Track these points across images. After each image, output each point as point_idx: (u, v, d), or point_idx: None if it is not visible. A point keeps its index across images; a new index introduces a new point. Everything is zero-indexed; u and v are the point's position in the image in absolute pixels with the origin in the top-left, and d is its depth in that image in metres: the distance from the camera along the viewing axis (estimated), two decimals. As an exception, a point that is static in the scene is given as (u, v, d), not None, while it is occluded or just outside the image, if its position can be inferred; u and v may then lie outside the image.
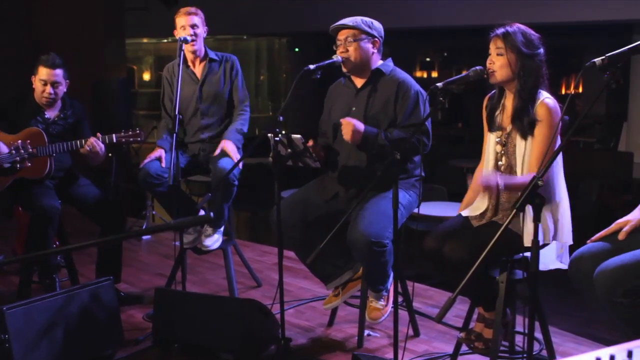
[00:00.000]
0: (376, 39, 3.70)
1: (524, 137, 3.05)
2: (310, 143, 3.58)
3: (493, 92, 3.26)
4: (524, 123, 3.03)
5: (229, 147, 4.23)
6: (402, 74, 3.74)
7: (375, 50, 3.71)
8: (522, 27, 3.09)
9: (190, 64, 4.46)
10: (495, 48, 3.09)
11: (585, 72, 2.35)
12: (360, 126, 3.54)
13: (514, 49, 3.03)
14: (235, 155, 4.20)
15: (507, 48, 3.04)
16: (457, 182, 3.69)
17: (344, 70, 3.71)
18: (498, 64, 3.07)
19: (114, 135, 4.14)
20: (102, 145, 4.12)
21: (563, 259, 3.10)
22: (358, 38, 3.64)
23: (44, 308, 3.30)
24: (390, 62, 3.79)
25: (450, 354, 3.50)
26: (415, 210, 3.73)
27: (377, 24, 3.74)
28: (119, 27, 8.58)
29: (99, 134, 4.13)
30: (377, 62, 3.74)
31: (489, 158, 3.23)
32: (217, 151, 4.23)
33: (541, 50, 3.07)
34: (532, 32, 3.10)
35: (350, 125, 3.51)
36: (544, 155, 2.93)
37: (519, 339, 3.42)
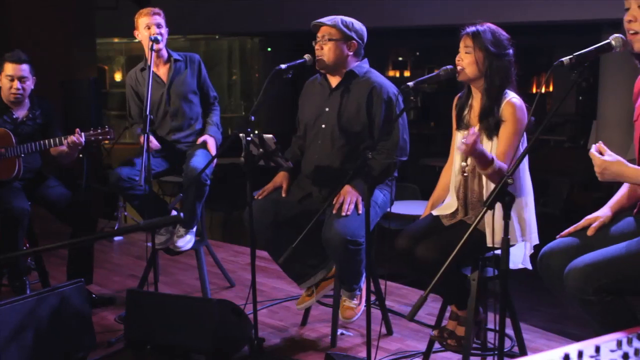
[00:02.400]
0: (353, 41, 3.67)
1: (490, 137, 3.07)
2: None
3: (462, 91, 3.28)
4: (490, 123, 3.06)
5: (210, 142, 4.25)
6: (377, 77, 3.71)
7: (351, 52, 3.68)
8: (493, 27, 3.12)
9: (154, 66, 4.37)
10: (464, 46, 3.11)
11: (554, 71, 2.37)
12: (353, 196, 3.55)
13: (482, 48, 3.06)
14: (214, 152, 4.20)
15: (475, 47, 3.07)
16: (429, 181, 3.70)
17: (318, 68, 3.70)
18: (466, 61, 3.10)
19: (83, 134, 4.09)
20: (83, 140, 4.06)
21: (528, 259, 3.13)
22: (334, 38, 3.63)
23: (14, 311, 3.25)
24: (365, 64, 3.76)
25: (423, 351, 3.51)
26: (388, 209, 3.75)
27: (358, 25, 3.70)
28: (88, 26, 8.51)
29: (77, 130, 4.07)
30: (353, 63, 3.71)
31: (456, 157, 3.25)
32: (199, 141, 4.29)
33: (510, 51, 3.10)
34: (503, 32, 3.12)
35: (347, 194, 3.53)
36: (507, 153, 2.97)
37: (491, 336, 3.44)
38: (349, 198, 3.52)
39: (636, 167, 2.39)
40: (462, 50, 3.12)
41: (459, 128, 3.26)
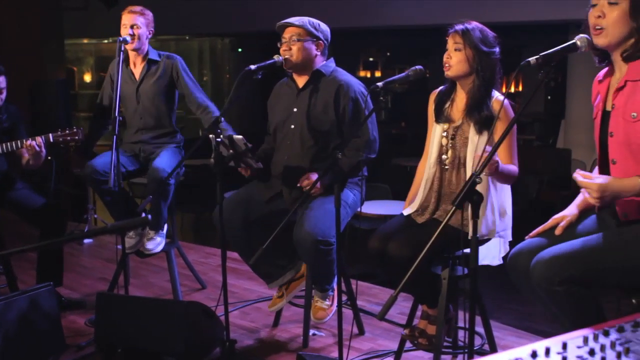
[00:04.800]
0: (320, 41, 3.70)
1: (479, 131, 3.10)
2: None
3: (442, 87, 3.31)
4: (481, 115, 3.09)
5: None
6: (344, 75, 3.74)
7: (319, 53, 3.71)
8: (480, 25, 3.18)
9: (131, 63, 4.41)
10: (453, 43, 3.15)
11: (521, 71, 2.40)
12: (314, 177, 3.56)
13: (472, 45, 3.10)
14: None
15: (465, 44, 3.11)
16: (400, 181, 3.72)
17: (285, 68, 3.71)
18: (455, 59, 3.13)
19: (50, 135, 4.04)
20: (43, 147, 4.00)
21: (502, 255, 3.18)
22: (302, 38, 3.64)
23: (-19, 316, 3.22)
24: (331, 63, 3.79)
25: (394, 351, 3.53)
26: (359, 209, 3.76)
27: (324, 26, 3.74)
28: (57, 27, 8.40)
29: (37, 138, 4.02)
30: (320, 63, 3.74)
31: (432, 150, 3.27)
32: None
33: (497, 49, 3.15)
34: (489, 30, 3.18)
35: (307, 184, 3.53)
36: (512, 148, 3.06)
37: (462, 334, 3.47)
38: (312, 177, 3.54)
39: (629, 178, 2.35)
40: (451, 47, 3.15)
41: (438, 120, 3.28)
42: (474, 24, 3.16)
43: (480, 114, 3.10)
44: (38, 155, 4.01)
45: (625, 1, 2.36)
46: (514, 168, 3.04)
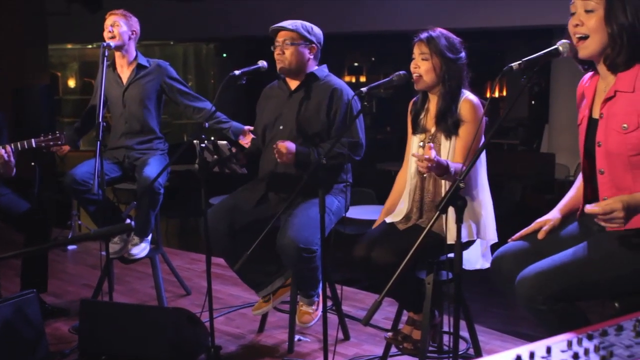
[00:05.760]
0: (314, 45, 3.71)
1: (449, 136, 3.12)
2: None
3: (417, 96, 3.31)
4: (449, 123, 3.11)
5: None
6: (337, 81, 3.76)
7: (312, 56, 3.72)
8: (445, 31, 3.17)
9: (118, 67, 4.40)
10: (419, 53, 3.14)
11: (504, 76, 2.41)
12: (292, 146, 3.53)
13: (439, 54, 3.10)
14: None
15: (431, 52, 3.11)
16: (385, 186, 3.72)
17: (278, 72, 3.71)
18: (423, 68, 3.13)
19: (33, 140, 4.01)
20: (12, 157, 3.93)
21: (487, 257, 3.19)
22: (296, 42, 3.65)
23: (-37, 323, 3.19)
24: (325, 68, 3.81)
25: (380, 356, 3.53)
26: (344, 215, 3.76)
27: (317, 29, 3.75)
28: (40, 32, 8.36)
29: (7, 147, 3.96)
30: (313, 67, 3.75)
31: (411, 161, 3.28)
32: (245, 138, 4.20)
33: (463, 54, 3.16)
34: (454, 36, 3.17)
35: (282, 147, 3.51)
36: (468, 149, 3.03)
37: (447, 339, 3.47)
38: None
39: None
40: (418, 57, 3.15)
41: (414, 132, 3.29)
42: (438, 31, 3.16)
43: (447, 122, 3.12)
44: (7, 165, 3.93)
45: (601, 8, 2.37)
46: (459, 167, 2.97)
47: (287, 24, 3.69)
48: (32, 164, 4.22)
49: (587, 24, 2.39)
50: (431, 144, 2.88)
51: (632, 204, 2.18)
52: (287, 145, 3.51)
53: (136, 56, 4.38)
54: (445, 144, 3.13)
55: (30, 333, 3.47)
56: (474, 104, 3.10)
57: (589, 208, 2.19)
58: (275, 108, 3.80)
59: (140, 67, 4.37)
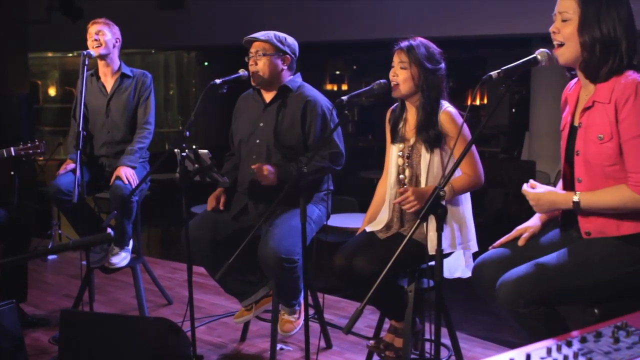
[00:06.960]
0: (287, 56, 3.69)
1: (430, 149, 3.12)
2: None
3: (396, 105, 3.32)
4: (430, 134, 3.11)
5: (122, 172, 4.12)
6: (310, 91, 3.73)
7: (285, 67, 3.70)
8: (425, 41, 3.18)
9: (102, 76, 4.40)
10: (399, 61, 3.15)
11: (483, 84, 2.43)
12: (271, 169, 3.53)
13: (418, 63, 3.11)
14: (132, 179, 4.11)
15: (410, 62, 3.12)
16: (366, 194, 3.73)
17: (252, 83, 3.70)
18: (402, 77, 3.14)
19: (12, 149, 3.99)
20: None
21: (469, 266, 3.19)
22: (268, 53, 3.64)
23: (-60, 335, 3.15)
24: (298, 78, 3.78)
25: (362, 364, 3.53)
26: (325, 223, 3.76)
27: (290, 40, 3.74)
28: (20, 40, 8.30)
29: None
30: (287, 78, 3.73)
31: (391, 171, 3.28)
32: (112, 181, 4.12)
33: (442, 65, 3.17)
34: (435, 46, 3.18)
35: (263, 170, 3.50)
36: (472, 164, 3.11)
37: (429, 347, 3.47)
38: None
39: (565, 192, 2.50)
40: (397, 65, 3.16)
41: (393, 142, 3.30)
42: (418, 40, 3.17)
43: (428, 133, 3.13)
44: None
45: (576, 18, 2.41)
46: (471, 181, 3.11)
47: (259, 34, 3.68)
48: (12, 173, 4.18)
49: (563, 32, 2.44)
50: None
51: (546, 199, 2.51)
52: (267, 167, 3.51)
53: (120, 65, 4.38)
54: (425, 156, 3.13)
55: (10, 343, 3.43)
56: (452, 116, 3.11)
57: (526, 186, 2.56)
58: (251, 120, 3.78)
59: (124, 76, 4.36)
